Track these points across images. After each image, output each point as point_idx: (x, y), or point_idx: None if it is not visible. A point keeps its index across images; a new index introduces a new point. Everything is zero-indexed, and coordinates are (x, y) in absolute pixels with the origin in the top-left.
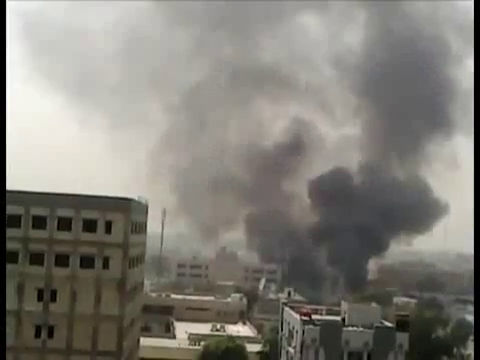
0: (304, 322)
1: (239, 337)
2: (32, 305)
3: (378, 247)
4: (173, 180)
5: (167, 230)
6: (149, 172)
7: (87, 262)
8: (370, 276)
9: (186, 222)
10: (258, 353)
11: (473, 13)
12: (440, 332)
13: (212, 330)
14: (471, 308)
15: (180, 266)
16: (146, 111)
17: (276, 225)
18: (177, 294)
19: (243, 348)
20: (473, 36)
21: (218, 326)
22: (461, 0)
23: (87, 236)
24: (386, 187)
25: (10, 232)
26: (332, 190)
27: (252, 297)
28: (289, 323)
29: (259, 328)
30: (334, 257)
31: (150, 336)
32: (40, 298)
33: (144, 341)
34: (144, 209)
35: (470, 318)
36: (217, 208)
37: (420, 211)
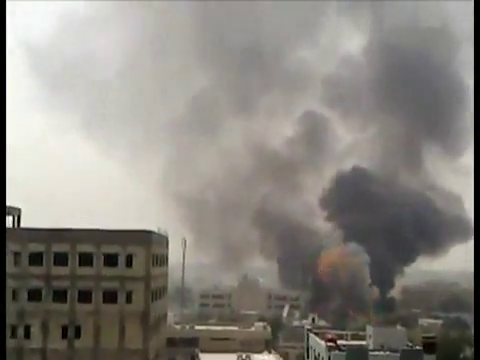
0: (329, 348)
1: None
2: (57, 342)
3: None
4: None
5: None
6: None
7: (110, 296)
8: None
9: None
10: None
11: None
12: (467, 352)
13: None
14: None
15: (203, 296)
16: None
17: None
18: (201, 325)
19: None
20: (473, 36)
21: (244, 356)
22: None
23: (109, 271)
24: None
25: (32, 270)
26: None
27: (276, 325)
28: (315, 350)
29: (285, 356)
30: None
31: None
32: (64, 335)
33: None
34: (165, 241)
35: None
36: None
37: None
